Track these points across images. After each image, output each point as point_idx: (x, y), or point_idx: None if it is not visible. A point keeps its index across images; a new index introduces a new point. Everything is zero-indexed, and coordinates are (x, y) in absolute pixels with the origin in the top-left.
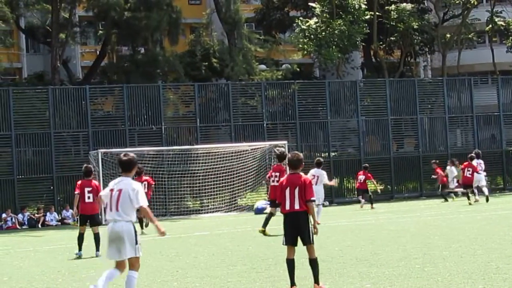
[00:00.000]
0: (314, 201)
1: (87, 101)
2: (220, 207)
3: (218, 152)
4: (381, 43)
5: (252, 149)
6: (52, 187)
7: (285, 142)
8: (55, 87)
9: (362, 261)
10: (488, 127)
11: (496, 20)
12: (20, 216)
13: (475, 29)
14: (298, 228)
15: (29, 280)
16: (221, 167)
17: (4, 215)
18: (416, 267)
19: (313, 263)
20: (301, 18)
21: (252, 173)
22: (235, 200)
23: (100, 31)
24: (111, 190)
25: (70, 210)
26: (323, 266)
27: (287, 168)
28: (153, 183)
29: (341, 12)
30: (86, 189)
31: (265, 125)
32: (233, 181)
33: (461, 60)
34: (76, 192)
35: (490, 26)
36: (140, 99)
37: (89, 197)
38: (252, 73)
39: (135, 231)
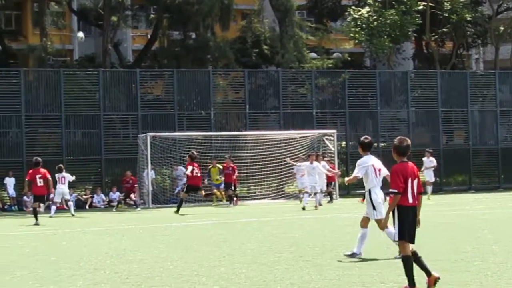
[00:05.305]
0: (421, 193)
1: (137, 84)
2: (267, 194)
3: (266, 139)
4: (433, 34)
5: (300, 137)
6: (100, 169)
7: (334, 131)
8: (105, 69)
9: None
10: None
11: None
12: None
13: None
14: (414, 223)
15: (76, 261)
16: (269, 154)
17: (52, 196)
18: (465, 260)
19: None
20: (353, 7)
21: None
22: (282, 188)
23: (152, 15)
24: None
25: (117, 193)
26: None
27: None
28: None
29: (393, 2)
30: (37, 176)
31: (314, 113)
32: (281, 168)
33: None
34: (27, 179)
35: None
36: (190, 84)
37: (40, 182)
38: (302, 61)
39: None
